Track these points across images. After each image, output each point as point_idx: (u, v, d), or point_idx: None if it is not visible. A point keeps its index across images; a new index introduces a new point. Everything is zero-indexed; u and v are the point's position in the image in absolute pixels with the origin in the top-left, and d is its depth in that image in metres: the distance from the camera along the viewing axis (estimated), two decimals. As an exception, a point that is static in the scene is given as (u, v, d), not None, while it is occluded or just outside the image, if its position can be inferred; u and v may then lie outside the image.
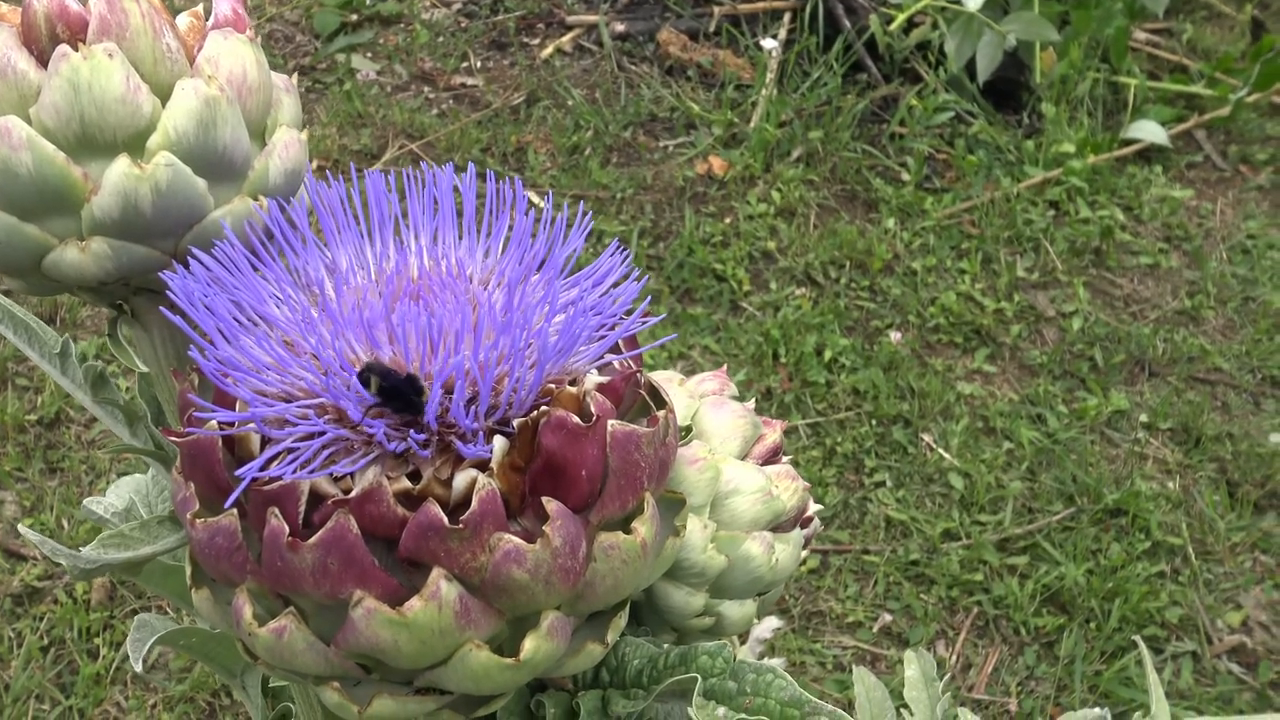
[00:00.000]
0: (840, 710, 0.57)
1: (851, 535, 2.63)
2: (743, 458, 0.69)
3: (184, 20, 0.59)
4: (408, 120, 3.58)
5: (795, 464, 2.74)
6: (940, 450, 2.81)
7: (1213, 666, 2.44)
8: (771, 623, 1.80)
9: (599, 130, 3.65)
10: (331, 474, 0.47)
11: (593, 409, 0.51)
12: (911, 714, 1.15)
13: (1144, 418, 2.94)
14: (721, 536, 0.65)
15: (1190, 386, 3.04)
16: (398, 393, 0.47)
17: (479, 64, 3.92)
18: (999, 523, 2.66)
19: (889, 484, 2.74)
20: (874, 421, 2.87)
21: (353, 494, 0.47)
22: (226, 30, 0.57)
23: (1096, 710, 1.18)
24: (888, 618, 2.49)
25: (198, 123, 0.53)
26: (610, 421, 0.51)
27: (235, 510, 0.49)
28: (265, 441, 0.48)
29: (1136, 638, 1.19)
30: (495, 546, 0.48)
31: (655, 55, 4.03)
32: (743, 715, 0.57)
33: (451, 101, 3.75)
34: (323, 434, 0.47)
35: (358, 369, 0.47)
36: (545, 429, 0.50)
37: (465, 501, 0.48)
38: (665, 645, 0.65)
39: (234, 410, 0.49)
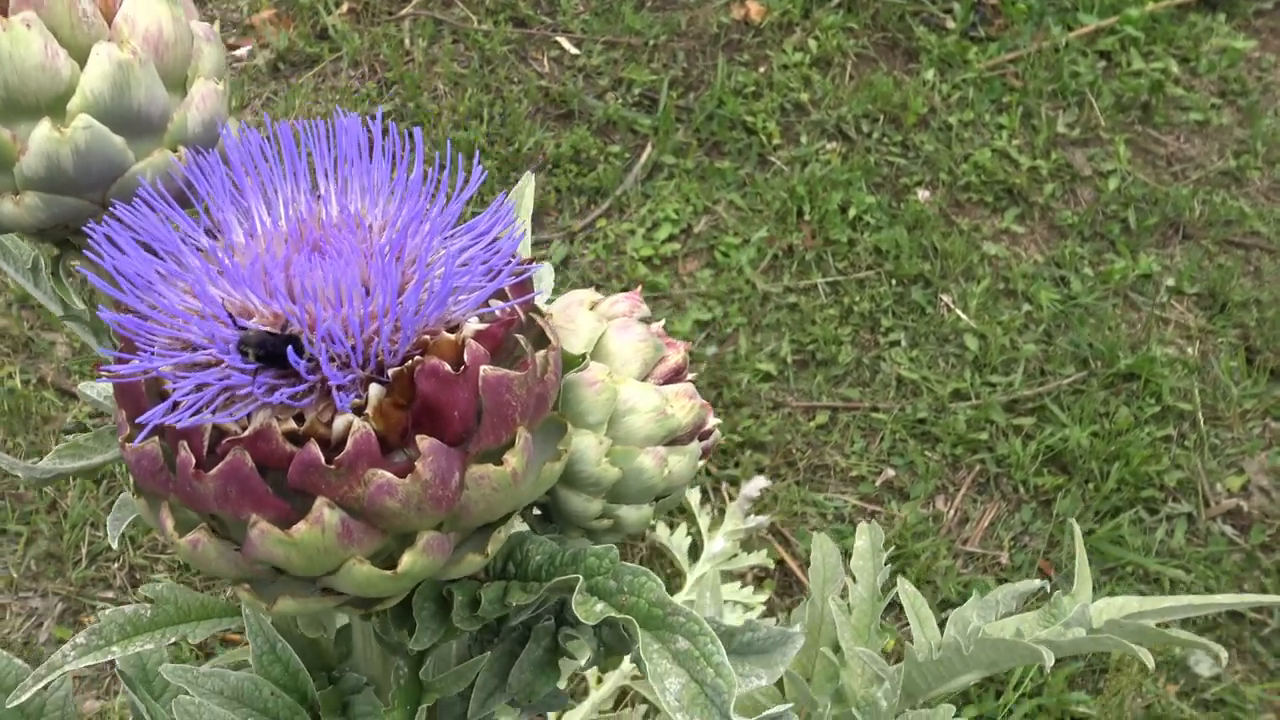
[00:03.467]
0: (694, 614, 0.66)
1: (861, 393, 2.70)
2: (643, 378, 0.75)
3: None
4: (438, -39, 3.52)
5: (811, 322, 2.78)
6: (958, 311, 2.84)
7: (1206, 528, 2.51)
8: (760, 482, 1.90)
9: (634, -29, 3.54)
10: (227, 417, 0.55)
11: (465, 357, 0.58)
12: (855, 582, 1.25)
13: (1170, 281, 2.92)
14: (617, 450, 0.73)
15: (1223, 250, 3.00)
16: (275, 355, 0.54)
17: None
18: (1009, 384, 2.71)
19: (904, 344, 2.79)
20: (894, 281, 2.89)
21: (246, 432, 0.55)
22: (141, -12, 0.61)
23: (1036, 581, 1.26)
24: (891, 473, 2.59)
25: (112, 85, 0.59)
26: (483, 367, 0.58)
27: (156, 438, 0.57)
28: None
29: (1072, 521, 1.26)
30: (370, 481, 0.56)
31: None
32: (613, 612, 0.66)
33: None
34: (213, 384, 0.55)
35: (240, 333, 0.54)
36: (420, 375, 0.57)
37: (345, 441, 0.55)
38: (567, 543, 0.74)
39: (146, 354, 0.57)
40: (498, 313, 0.61)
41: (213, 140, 0.65)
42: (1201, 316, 2.87)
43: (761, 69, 3.34)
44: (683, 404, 0.75)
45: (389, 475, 0.56)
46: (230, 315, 0.56)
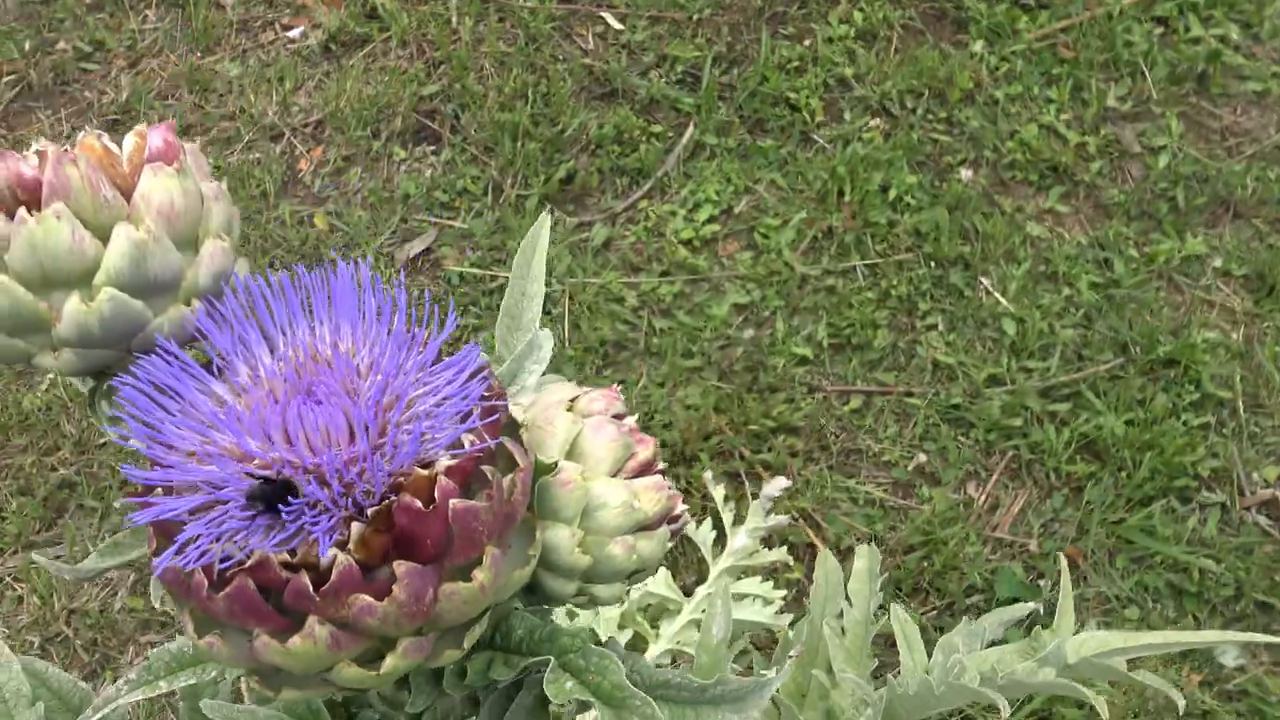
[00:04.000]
0: (648, 699, 0.74)
1: (896, 378, 2.74)
2: (614, 474, 0.82)
3: (130, 141, 0.71)
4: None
5: (848, 305, 2.81)
6: (997, 295, 2.84)
7: (1239, 518, 2.52)
8: (780, 482, 1.96)
9: (679, -57, 3.53)
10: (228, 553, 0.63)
11: (436, 493, 0.66)
12: (851, 605, 1.31)
13: (1218, 263, 2.88)
14: (589, 540, 0.80)
15: (1276, 230, 2.94)
16: (271, 502, 0.62)
17: None
18: (1046, 370, 2.72)
19: (940, 327, 2.81)
20: (932, 264, 2.90)
21: (249, 562, 0.64)
22: (157, 166, 0.69)
23: (1027, 606, 1.32)
24: (923, 458, 2.64)
25: (131, 260, 0.67)
26: (451, 501, 0.66)
27: (177, 559, 0.66)
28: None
29: (1060, 554, 1.31)
30: (352, 604, 0.64)
31: None
32: (580, 691, 0.75)
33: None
34: (224, 516, 0.63)
35: (248, 485, 0.63)
36: (396, 511, 0.65)
37: (331, 571, 0.64)
38: (547, 617, 0.83)
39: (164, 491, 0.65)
40: (468, 444, 0.69)
41: (221, 288, 0.73)
42: (1248, 299, 2.83)
43: (806, 42, 3.32)
44: (650, 496, 0.82)
45: (368, 599, 0.64)
46: (235, 459, 0.64)
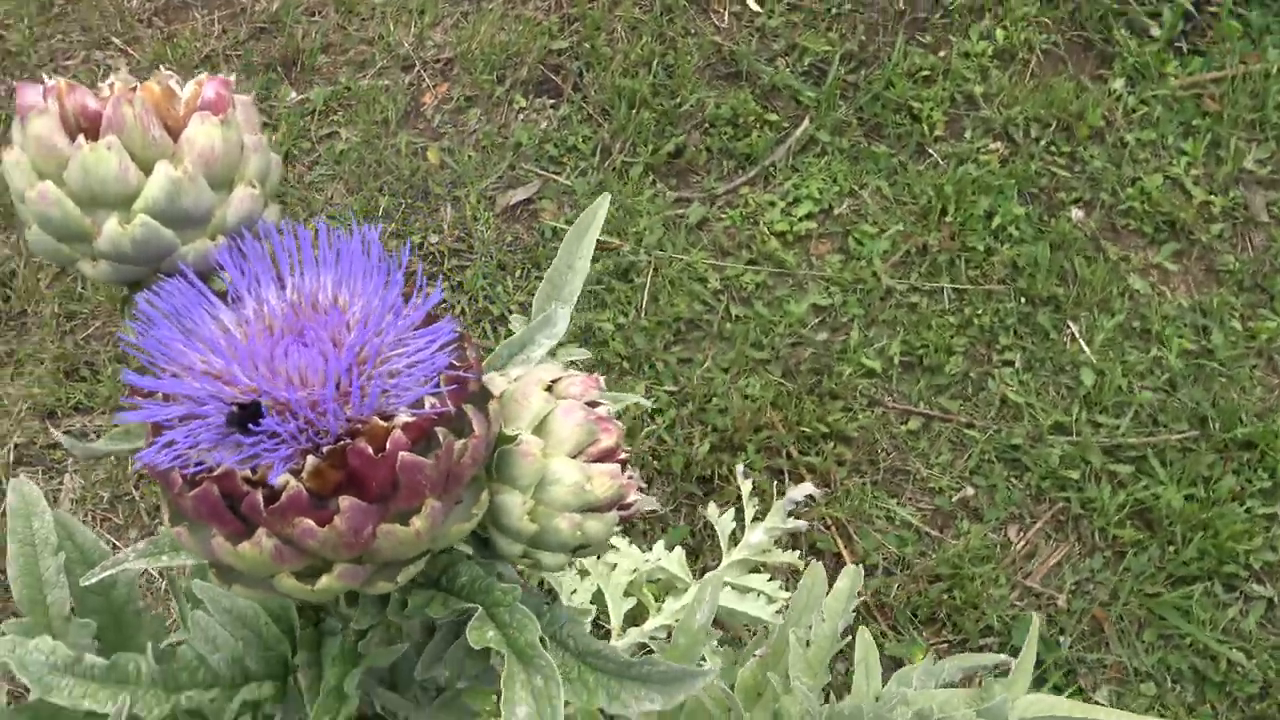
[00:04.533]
0: (551, 662, 0.80)
1: (961, 406, 2.72)
2: (575, 455, 0.88)
3: (190, 88, 0.79)
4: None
5: (927, 326, 2.78)
6: (1082, 342, 2.78)
7: (1286, 616, 2.44)
8: (806, 488, 1.99)
9: (834, -66, 3.50)
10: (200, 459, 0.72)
11: (388, 444, 0.73)
12: (823, 619, 1.35)
13: (1325, 352, 2.76)
14: (539, 510, 0.87)
15: (1396, 328, 2.79)
16: (243, 424, 0.70)
17: None
18: (1116, 428, 2.66)
19: (1017, 364, 2.76)
20: (1022, 299, 2.85)
21: (216, 471, 0.72)
22: (204, 114, 0.77)
23: (995, 656, 1.34)
24: (970, 491, 2.62)
25: (166, 194, 0.76)
26: (401, 453, 0.73)
27: (165, 453, 0.75)
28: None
29: (1032, 614, 1.31)
30: (296, 525, 0.72)
31: None
32: (498, 644, 0.82)
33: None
34: (202, 428, 0.71)
35: (236, 400, 0.71)
36: (350, 452, 0.72)
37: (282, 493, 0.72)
38: (493, 570, 0.90)
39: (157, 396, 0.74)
40: (428, 406, 0.75)
41: (248, 227, 0.81)
42: (1349, 395, 2.71)
43: (941, 53, 3.27)
44: (603, 481, 0.88)
45: (310, 523, 0.72)
46: (220, 381, 0.72)
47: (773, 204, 3.01)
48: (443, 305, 0.81)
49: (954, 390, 2.74)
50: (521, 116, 3.17)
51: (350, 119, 3.14)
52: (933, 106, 3.14)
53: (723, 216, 3.00)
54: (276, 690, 0.99)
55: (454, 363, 0.77)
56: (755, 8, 3.37)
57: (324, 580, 0.76)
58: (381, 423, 0.74)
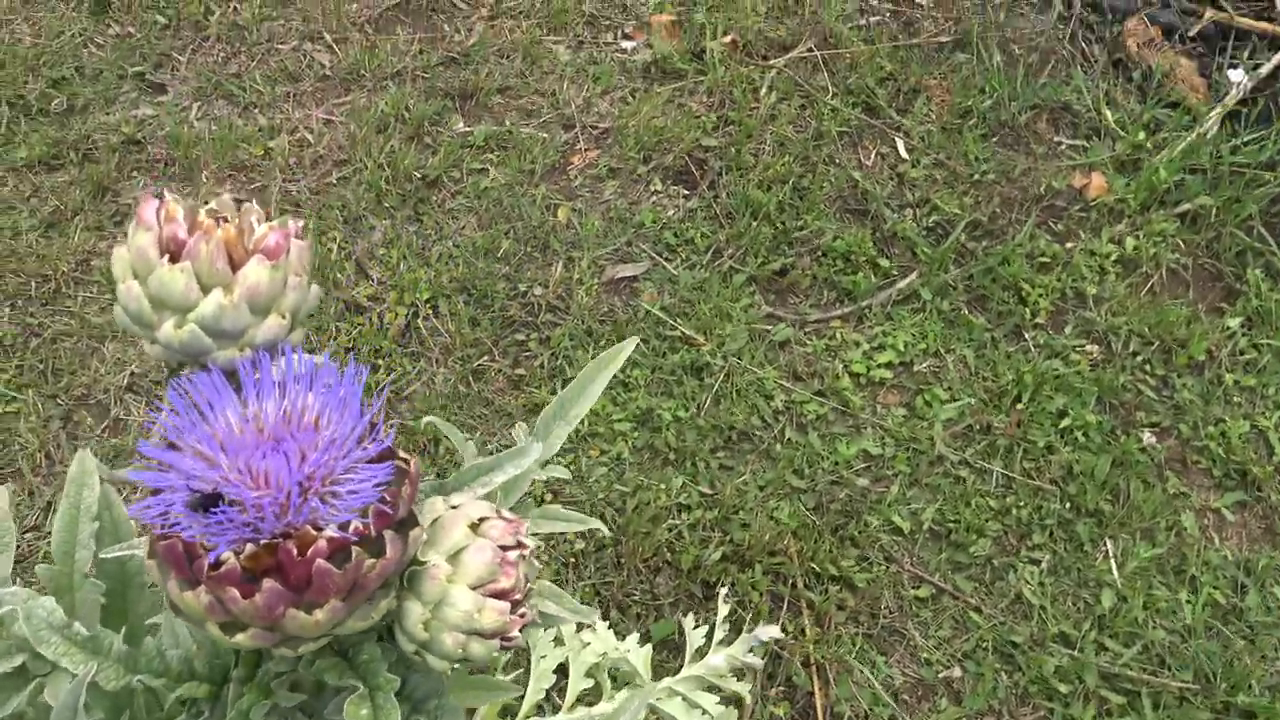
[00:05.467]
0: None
1: (975, 588, 2.77)
2: (475, 588, 1.06)
3: (262, 228, 1.02)
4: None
5: (966, 503, 2.85)
6: (1113, 563, 2.80)
7: None
8: (773, 630, 2.12)
9: (1000, 102, 3.60)
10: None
11: (309, 551, 0.93)
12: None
13: (1360, 648, 2.69)
14: (433, 623, 1.05)
15: None
16: (206, 505, 0.92)
17: (928, -11, 3.91)
18: (1119, 656, 2.67)
19: (1043, 565, 2.80)
20: (1068, 504, 2.88)
21: (185, 535, 0.94)
22: (261, 258, 0.99)
23: None
24: (957, 673, 2.67)
25: (213, 314, 0.98)
26: (317, 560, 0.93)
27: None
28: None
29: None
30: (227, 591, 0.93)
31: (1111, 38, 3.78)
32: (365, 724, 1.01)
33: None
34: (174, 501, 0.93)
35: (199, 489, 0.92)
36: (280, 549, 0.93)
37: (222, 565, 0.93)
38: (389, 655, 1.09)
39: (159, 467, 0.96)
40: (351, 529, 0.95)
41: (270, 347, 1.03)
42: (1372, 699, 2.64)
43: (1067, 244, 3.33)
44: (491, 615, 1.06)
45: (236, 593, 0.93)
46: (202, 464, 0.94)
47: (858, 344, 3.13)
48: (396, 442, 1.01)
49: (973, 571, 2.80)
50: (653, 199, 3.38)
51: (502, 161, 3.42)
52: (1042, 294, 3.20)
53: (806, 342, 3.14)
54: (210, 692, 1.20)
55: (385, 496, 0.97)
56: (904, 154, 3.50)
57: (240, 636, 0.96)
58: (312, 531, 0.95)
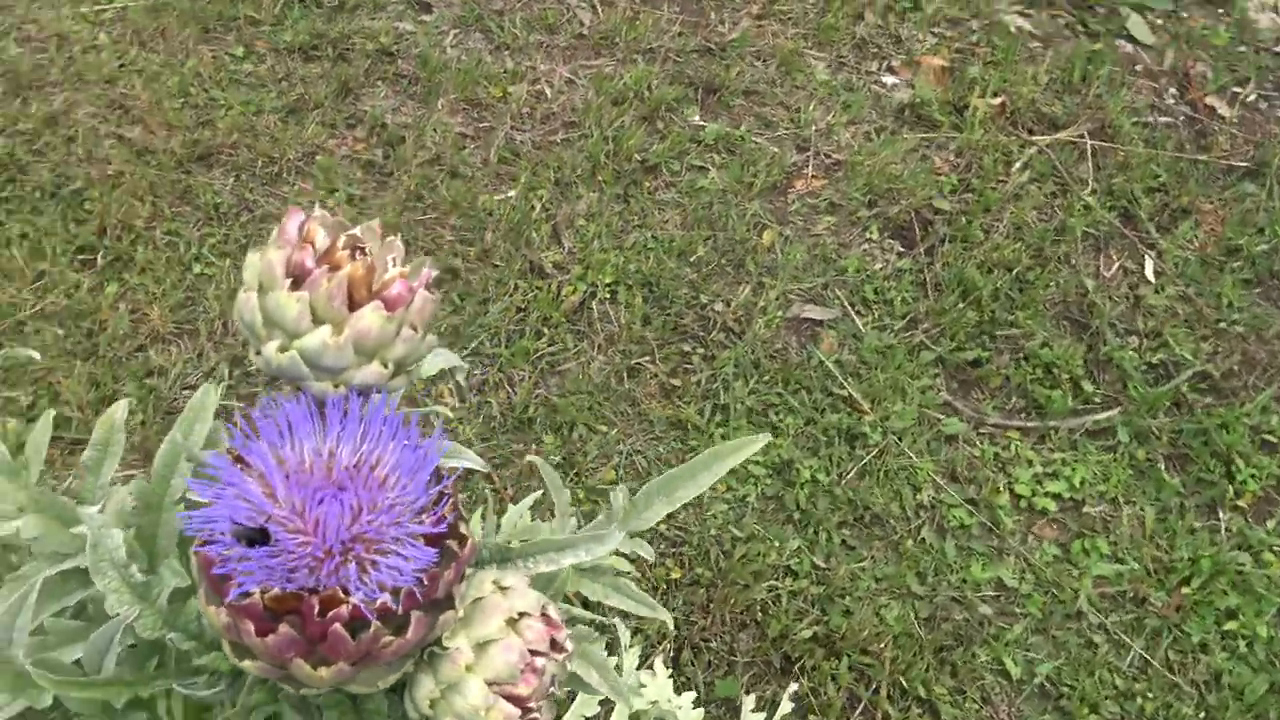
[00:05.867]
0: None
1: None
2: (491, 684, 1.01)
3: (393, 272, 0.98)
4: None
5: (1089, 673, 2.62)
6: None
7: None
8: (791, 689, 2.01)
9: (1278, 250, 3.21)
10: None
11: (330, 614, 0.90)
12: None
13: None
14: (440, 705, 1.01)
15: None
16: (251, 538, 0.89)
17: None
18: None
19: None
20: (1202, 713, 2.59)
21: (219, 557, 0.93)
22: (378, 305, 0.96)
23: None
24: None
25: (316, 348, 0.96)
26: (335, 625, 0.89)
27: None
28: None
29: None
30: (244, 624, 0.91)
31: None
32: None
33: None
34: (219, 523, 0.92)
35: (255, 523, 0.90)
36: (304, 602, 0.90)
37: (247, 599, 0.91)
38: (391, 709, 1.06)
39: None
40: (378, 603, 0.91)
41: (367, 391, 0.99)
42: None
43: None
44: (496, 716, 1.01)
45: (251, 627, 0.91)
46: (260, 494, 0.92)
47: (1031, 463, 2.89)
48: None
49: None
50: (865, 247, 3.22)
51: (725, 164, 3.33)
52: (1254, 475, 2.86)
53: (976, 444, 2.93)
54: (233, 669, 1.21)
55: (423, 579, 0.93)
56: (1150, 276, 3.19)
57: (248, 663, 0.95)
58: (340, 595, 0.91)
